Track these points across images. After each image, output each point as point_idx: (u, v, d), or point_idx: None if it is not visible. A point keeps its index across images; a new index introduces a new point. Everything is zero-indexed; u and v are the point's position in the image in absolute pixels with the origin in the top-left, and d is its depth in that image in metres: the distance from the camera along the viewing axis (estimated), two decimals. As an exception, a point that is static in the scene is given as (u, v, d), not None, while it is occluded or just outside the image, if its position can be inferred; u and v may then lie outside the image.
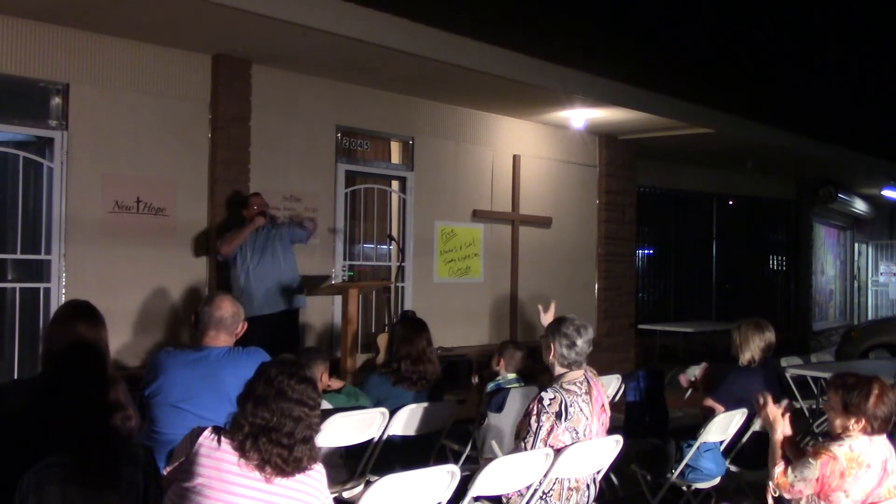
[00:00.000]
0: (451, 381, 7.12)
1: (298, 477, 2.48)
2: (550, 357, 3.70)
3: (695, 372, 6.20)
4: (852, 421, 3.22)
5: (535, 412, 3.51)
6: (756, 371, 4.84)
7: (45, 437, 2.66)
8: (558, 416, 3.48)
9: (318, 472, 2.54)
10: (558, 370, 3.67)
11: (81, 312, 3.06)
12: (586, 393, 3.60)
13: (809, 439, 6.48)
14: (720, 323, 10.73)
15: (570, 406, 3.51)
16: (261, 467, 2.42)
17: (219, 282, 6.77)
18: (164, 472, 2.65)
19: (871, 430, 3.21)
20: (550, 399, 3.51)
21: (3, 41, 5.87)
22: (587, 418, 3.56)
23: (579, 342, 3.66)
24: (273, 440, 2.42)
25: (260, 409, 2.45)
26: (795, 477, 3.25)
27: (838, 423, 3.26)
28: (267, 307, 6.41)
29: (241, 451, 2.42)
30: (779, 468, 3.35)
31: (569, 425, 3.49)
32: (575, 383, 3.60)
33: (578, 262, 10.33)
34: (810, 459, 3.21)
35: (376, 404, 4.34)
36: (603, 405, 3.70)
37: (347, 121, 7.92)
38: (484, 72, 7.34)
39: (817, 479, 3.18)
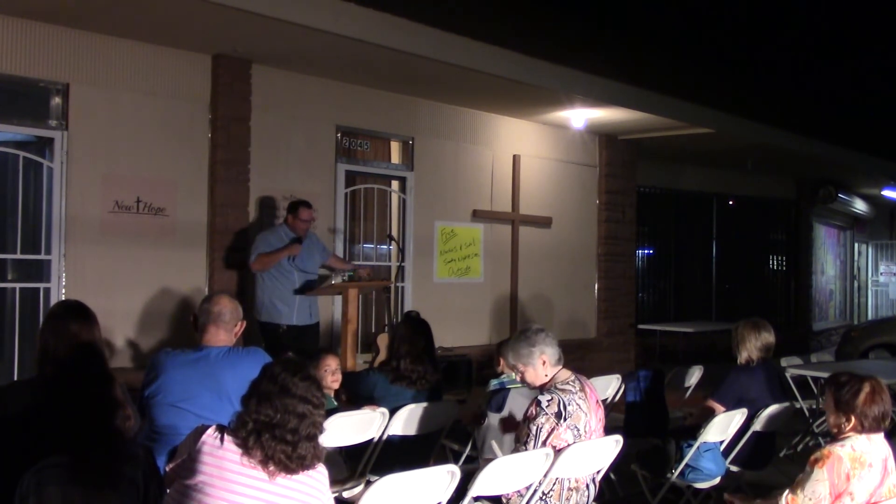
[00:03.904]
0: (451, 381, 7.12)
1: (300, 476, 2.48)
2: (542, 370, 3.68)
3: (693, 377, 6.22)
4: (843, 419, 3.21)
5: (533, 416, 3.51)
6: (756, 371, 4.84)
7: (44, 437, 2.66)
8: (558, 415, 3.49)
9: (320, 473, 2.54)
10: (551, 372, 3.68)
11: (74, 312, 3.05)
12: (580, 390, 3.61)
13: (809, 439, 6.49)
14: (720, 323, 10.74)
15: (569, 405, 3.52)
16: (264, 464, 2.42)
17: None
18: (167, 469, 2.66)
19: (862, 429, 3.19)
20: (548, 401, 3.51)
21: (3, 41, 5.87)
22: (586, 414, 3.57)
23: (550, 333, 3.72)
24: (277, 437, 2.42)
25: (264, 406, 2.45)
26: (808, 498, 3.13)
27: (832, 420, 3.27)
28: (298, 318, 6.59)
29: (245, 447, 2.43)
30: (787, 494, 3.21)
31: (570, 423, 3.50)
32: (568, 382, 3.62)
33: (578, 262, 10.33)
34: (816, 469, 3.13)
35: (373, 402, 4.34)
36: (598, 401, 3.72)
37: (347, 121, 7.92)
38: (484, 72, 7.34)
39: (829, 492, 3.12)
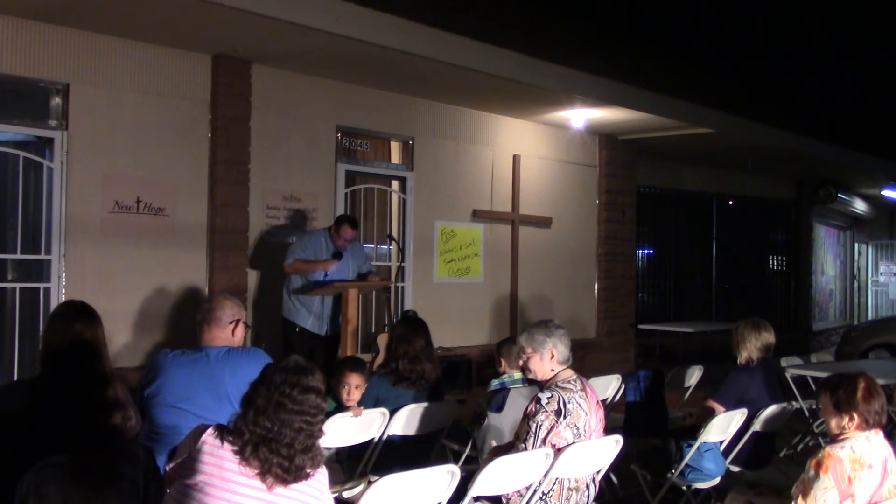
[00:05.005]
0: (451, 381, 7.12)
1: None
2: (549, 363, 3.68)
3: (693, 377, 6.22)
4: (846, 419, 3.21)
5: (533, 413, 3.52)
6: (756, 371, 4.85)
7: (45, 437, 2.67)
8: (558, 413, 3.49)
9: (319, 475, 2.54)
10: (556, 368, 3.68)
11: (78, 312, 3.06)
12: (581, 390, 3.62)
13: (809, 439, 6.49)
14: (720, 323, 10.73)
15: (569, 403, 3.52)
16: (262, 476, 2.41)
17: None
18: (167, 469, 2.65)
19: (867, 425, 3.19)
20: (548, 398, 3.52)
21: (3, 41, 5.87)
22: (586, 413, 3.57)
23: (567, 335, 3.74)
24: (273, 450, 2.40)
25: (260, 418, 2.43)
26: None
27: (834, 423, 3.25)
28: (311, 325, 6.68)
29: (242, 456, 2.42)
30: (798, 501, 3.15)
31: (570, 422, 3.50)
32: (569, 381, 3.63)
33: (578, 262, 10.33)
34: (821, 476, 3.10)
35: (376, 404, 4.34)
36: (598, 401, 3.73)
37: (347, 121, 7.92)
38: (484, 72, 7.33)
39: (840, 499, 3.10)
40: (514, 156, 9.47)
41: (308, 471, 2.46)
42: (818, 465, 3.13)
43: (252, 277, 7.14)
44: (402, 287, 8.43)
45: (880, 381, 3.51)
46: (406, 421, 4.22)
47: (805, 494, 3.12)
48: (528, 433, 3.51)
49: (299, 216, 7.46)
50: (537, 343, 3.69)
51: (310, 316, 6.63)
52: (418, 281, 8.54)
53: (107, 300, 6.03)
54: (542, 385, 3.70)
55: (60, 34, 6.11)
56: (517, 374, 4.65)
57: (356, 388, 4.30)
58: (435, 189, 8.72)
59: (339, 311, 6.71)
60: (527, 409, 3.59)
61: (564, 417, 3.49)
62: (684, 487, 4.60)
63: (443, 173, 8.79)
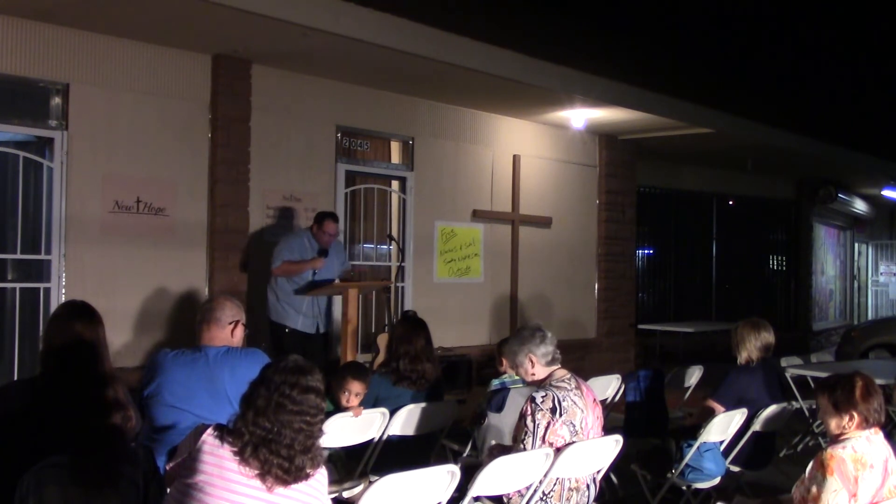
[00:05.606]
0: (451, 381, 7.12)
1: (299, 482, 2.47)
2: (531, 369, 3.72)
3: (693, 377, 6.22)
4: (846, 419, 3.21)
5: (529, 412, 3.53)
6: (756, 370, 4.85)
7: (45, 437, 2.67)
8: (553, 411, 3.50)
9: (319, 475, 2.53)
10: (544, 372, 3.70)
11: (79, 312, 3.06)
12: (576, 388, 3.63)
13: (809, 439, 6.49)
14: (720, 323, 10.74)
15: (563, 401, 3.54)
16: (262, 477, 2.41)
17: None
18: (167, 468, 2.65)
19: (867, 423, 3.19)
20: (543, 397, 3.53)
21: (3, 41, 5.87)
22: (582, 411, 3.58)
23: (547, 334, 3.76)
24: (273, 451, 2.40)
25: (260, 419, 2.43)
26: None
27: (834, 424, 3.25)
28: (303, 325, 6.63)
29: (242, 457, 2.41)
30: None
31: (565, 419, 3.51)
32: (563, 380, 3.66)
33: (578, 262, 10.33)
34: (828, 478, 3.09)
35: (375, 404, 4.34)
36: (595, 399, 3.73)
37: (347, 121, 7.92)
38: (484, 72, 7.34)
39: (849, 493, 3.10)
40: (514, 156, 9.47)
41: (308, 471, 2.46)
42: (823, 468, 3.12)
43: (251, 278, 7.14)
44: (402, 287, 8.43)
45: (880, 382, 3.51)
46: (406, 421, 4.22)
47: (817, 499, 3.10)
48: (525, 432, 3.52)
49: (298, 216, 7.45)
50: (513, 355, 3.77)
51: (299, 316, 6.57)
52: (418, 281, 8.54)
53: (107, 300, 6.02)
54: (536, 384, 3.71)
55: (60, 34, 6.11)
56: (517, 375, 4.64)
57: (356, 395, 4.28)
58: (435, 189, 8.72)
59: (331, 308, 6.70)
60: (522, 408, 3.60)
61: (560, 415, 3.50)
62: (684, 487, 4.60)
63: (443, 173, 8.79)
